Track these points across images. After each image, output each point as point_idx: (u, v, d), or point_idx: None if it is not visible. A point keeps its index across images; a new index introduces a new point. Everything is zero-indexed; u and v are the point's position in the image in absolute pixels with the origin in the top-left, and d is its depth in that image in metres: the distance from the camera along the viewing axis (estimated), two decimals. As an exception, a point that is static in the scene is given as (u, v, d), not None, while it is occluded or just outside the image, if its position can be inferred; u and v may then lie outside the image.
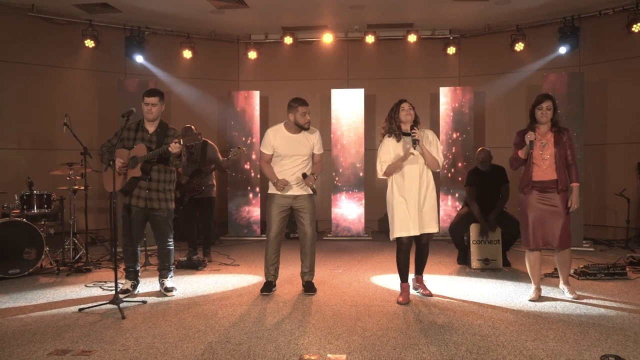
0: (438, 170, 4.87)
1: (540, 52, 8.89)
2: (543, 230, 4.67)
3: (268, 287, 5.11)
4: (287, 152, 5.01)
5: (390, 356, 3.37)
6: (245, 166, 8.95)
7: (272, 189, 5.08)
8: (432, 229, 4.72)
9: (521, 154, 4.66)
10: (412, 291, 5.00)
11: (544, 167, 4.66)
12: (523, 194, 4.75)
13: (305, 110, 5.01)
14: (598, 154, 8.35)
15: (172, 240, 5.16)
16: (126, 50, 8.91)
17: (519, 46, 8.85)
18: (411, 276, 5.03)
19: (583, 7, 8.28)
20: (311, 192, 5.06)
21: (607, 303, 4.60)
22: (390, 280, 5.57)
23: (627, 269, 5.65)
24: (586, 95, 7.64)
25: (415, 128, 4.63)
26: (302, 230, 5.10)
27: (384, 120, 4.85)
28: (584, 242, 7.43)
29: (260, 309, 4.51)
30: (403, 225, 4.64)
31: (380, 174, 4.79)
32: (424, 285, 5.00)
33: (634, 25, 7.92)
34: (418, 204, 4.65)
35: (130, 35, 8.86)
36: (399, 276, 4.79)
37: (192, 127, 6.91)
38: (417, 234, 4.66)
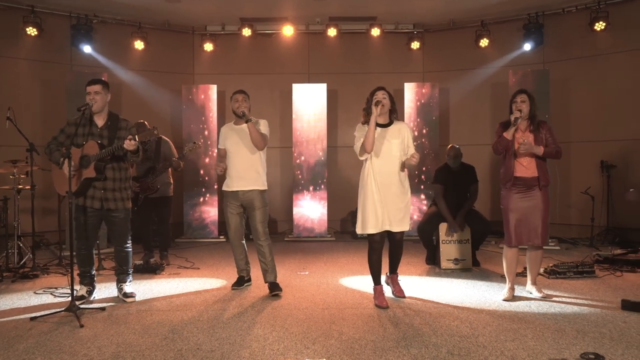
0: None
1: (505, 49, 9.15)
2: (525, 228, 4.81)
3: (239, 282, 5.39)
4: (233, 144, 5.22)
5: (371, 360, 3.41)
6: (202, 164, 8.83)
7: (224, 186, 5.32)
8: (405, 227, 4.72)
9: (507, 134, 4.76)
10: (384, 287, 4.96)
11: (525, 164, 4.79)
12: (505, 189, 4.87)
13: (238, 97, 5.20)
14: (563, 152, 8.63)
15: (130, 242, 5.06)
16: (72, 39, 8.64)
17: (484, 42, 9.06)
18: (383, 277, 5.09)
19: (547, 4, 8.56)
20: (261, 188, 5.21)
21: (579, 301, 4.77)
22: (360, 282, 5.61)
23: (595, 267, 5.88)
24: (550, 93, 7.91)
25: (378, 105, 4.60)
26: (252, 228, 5.24)
27: (362, 110, 4.77)
28: (549, 240, 7.66)
29: (229, 314, 4.46)
30: (373, 221, 4.61)
31: (358, 153, 4.68)
32: (398, 284, 5.04)
33: (596, 24, 8.24)
34: (393, 199, 4.64)
35: (77, 23, 8.60)
36: (372, 278, 4.80)
37: (145, 122, 6.79)
38: (389, 229, 4.66)
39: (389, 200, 4.63)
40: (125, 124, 4.94)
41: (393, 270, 5.08)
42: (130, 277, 5.10)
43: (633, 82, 8.17)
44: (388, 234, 4.76)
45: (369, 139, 4.56)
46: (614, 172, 8.07)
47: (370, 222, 4.63)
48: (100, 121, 4.84)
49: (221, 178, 9.23)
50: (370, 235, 4.71)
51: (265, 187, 5.26)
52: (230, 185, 5.22)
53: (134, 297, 4.95)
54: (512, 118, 4.73)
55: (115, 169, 4.87)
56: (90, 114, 4.81)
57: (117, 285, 5.05)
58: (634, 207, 7.74)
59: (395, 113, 4.80)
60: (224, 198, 5.30)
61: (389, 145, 4.67)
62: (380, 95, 4.68)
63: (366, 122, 4.71)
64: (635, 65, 8.16)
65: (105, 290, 5.30)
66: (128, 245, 5.03)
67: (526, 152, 4.74)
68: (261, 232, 5.19)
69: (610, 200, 8.03)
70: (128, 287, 5.02)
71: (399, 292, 4.98)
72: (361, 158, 4.71)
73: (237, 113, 5.17)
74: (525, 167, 4.79)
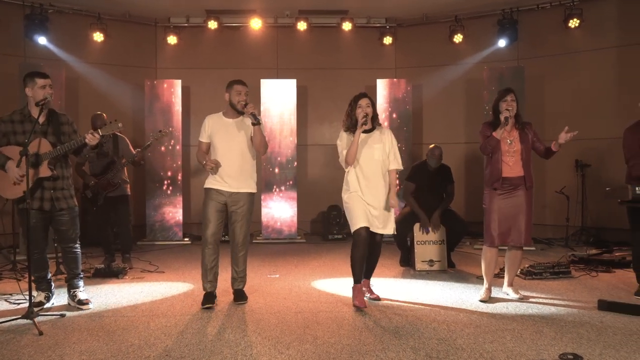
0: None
1: (479, 45, 9.29)
2: (507, 227, 4.92)
3: (210, 299, 4.85)
4: (223, 139, 4.90)
5: (348, 364, 3.43)
6: (166, 162, 8.74)
7: (207, 183, 4.95)
8: (390, 230, 4.91)
9: (496, 134, 4.86)
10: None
11: (511, 164, 4.90)
12: (493, 189, 4.95)
13: (241, 90, 4.88)
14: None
15: (79, 242, 4.94)
16: (26, 30, 8.44)
17: (458, 37, 9.18)
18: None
19: (521, 0, 8.73)
20: (252, 190, 4.99)
21: (556, 302, 4.90)
22: (333, 285, 5.64)
23: (571, 268, 6.04)
24: (525, 90, 8.07)
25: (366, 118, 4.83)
26: (232, 234, 4.98)
27: (344, 115, 4.99)
28: (525, 241, 7.83)
29: (197, 319, 4.44)
30: (363, 216, 4.78)
31: (344, 164, 4.92)
32: (371, 290, 5.11)
33: (571, 21, 8.45)
34: (378, 202, 4.84)
35: (30, 13, 8.40)
36: (353, 276, 4.84)
37: (104, 114, 6.73)
38: (378, 231, 4.84)
39: (373, 202, 4.83)
40: (66, 119, 4.85)
41: (368, 275, 5.14)
42: (82, 282, 4.98)
43: (606, 81, 8.41)
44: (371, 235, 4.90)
45: (352, 153, 4.80)
46: (589, 171, 8.27)
47: (360, 217, 4.78)
48: (41, 117, 4.70)
49: (186, 177, 9.21)
50: (356, 231, 4.78)
51: (255, 190, 5.04)
52: (217, 184, 4.89)
53: (90, 304, 4.81)
54: (503, 117, 4.83)
55: (63, 167, 4.80)
56: (29, 110, 4.70)
57: (69, 292, 4.89)
58: (608, 206, 7.94)
59: (377, 119, 5.01)
60: (206, 196, 4.92)
61: (370, 151, 4.89)
62: (364, 103, 4.89)
63: (348, 129, 4.94)
64: (609, 63, 8.40)
65: (64, 295, 5.17)
66: (78, 245, 4.92)
67: (516, 151, 4.89)
68: (241, 241, 4.95)
69: (585, 199, 8.23)
70: (82, 294, 4.88)
71: (373, 295, 5.04)
72: (345, 169, 4.94)
73: (239, 109, 4.86)
74: (511, 167, 4.90)
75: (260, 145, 4.93)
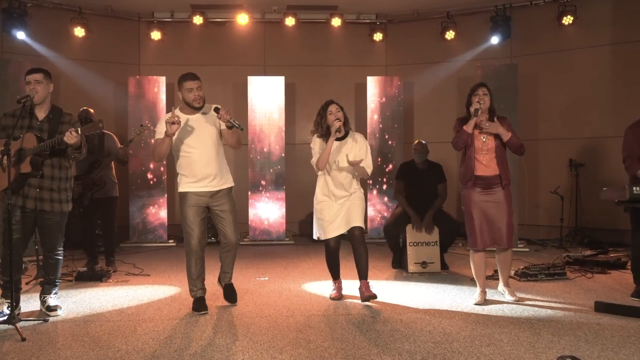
0: (367, 178, 5.32)
1: (472, 42, 9.33)
2: (489, 230, 4.92)
3: (203, 304, 4.79)
4: (191, 136, 4.69)
5: (343, 369, 3.44)
6: (150, 161, 8.69)
7: (182, 187, 4.77)
8: (358, 222, 5.01)
9: (467, 127, 4.86)
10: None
11: (485, 162, 4.91)
12: (466, 188, 4.98)
13: (192, 86, 4.68)
14: (530, 150, 8.83)
15: (62, 249, 4.86)
16: (3, 25, 8.36)
17: (450, 34, 9.22)
18: (356, 283, 5.15)
19: (514, -4, 8.82)
20: (231, 185, 4.89)
21: (552, 304, 4.94)
22: (324, 287, 5.64)
23: (566, 269, 6.09)
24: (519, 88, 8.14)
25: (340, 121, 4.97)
26: (224, 235, 4.84)
27: (313, 123, 5.16)
28: (518, 242, 7.89)
29: (186, 323, 4.43)
30: (326, 228, 5.03)
31: (316, 168, 5.08)
32: (369, 290, 5.05)
33: (564, 18, 8.53)
34: (347, 201, 5.03)
35: (8, 7, 8.32)
36: (331, 275, 5.24)
37: (91, 110, 6.68)
38: (344, 231, 5.01)
39: (341, 201, 5.05)
40: (69, 118, 4.79)
41: (363, 276, 5.06)
42: (57, 289, 4.89)
43: (601, 78, 8.48)
44: (348, 232, 5.05)
45: (323, 160, 4.96)
46: (583, 170, 8.33)
47: (330, 228, 5.01)
48: (41, 114, 4.69)
49: (171, 177, 9.15)
50: (325, 242, 5.09)
51: (233, 184, 4.94)
52: (195, 186, 4.73)
53: (59, 310, 4.73)
54: (472, 109, 4.85)
55: (55, 166, 4.71)
56: (31, 105, 4.66)
57: (41, 297, 4.81)
58: (602, 206, 7.99)
59: (348, 123, 5.10)
60: (182, 201, 4.76)
61: (343, 158, 5.01)
62: (334, 109, 5.03)
63: (321, 135, 5.08)
64: (603, 61, 8.47)
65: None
66: (59, 252, 4.83)
67: (489, 133, 4.88)
68: (235, 240, 4.81)
69: (579, 199, 8.29)
70: (52, 300, 4.79)
71: (369, 294, 4.97)
72: (317, 173, 5.13)
73: (196, 106, 4.70)
74: (486, 166, 4.91)
75: (236, 144, 4.85)
